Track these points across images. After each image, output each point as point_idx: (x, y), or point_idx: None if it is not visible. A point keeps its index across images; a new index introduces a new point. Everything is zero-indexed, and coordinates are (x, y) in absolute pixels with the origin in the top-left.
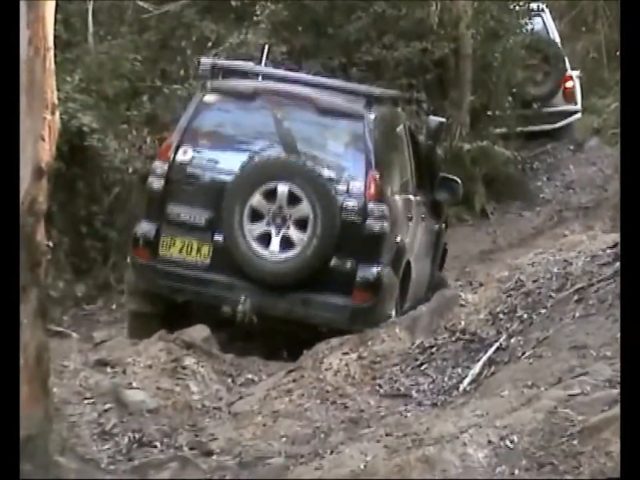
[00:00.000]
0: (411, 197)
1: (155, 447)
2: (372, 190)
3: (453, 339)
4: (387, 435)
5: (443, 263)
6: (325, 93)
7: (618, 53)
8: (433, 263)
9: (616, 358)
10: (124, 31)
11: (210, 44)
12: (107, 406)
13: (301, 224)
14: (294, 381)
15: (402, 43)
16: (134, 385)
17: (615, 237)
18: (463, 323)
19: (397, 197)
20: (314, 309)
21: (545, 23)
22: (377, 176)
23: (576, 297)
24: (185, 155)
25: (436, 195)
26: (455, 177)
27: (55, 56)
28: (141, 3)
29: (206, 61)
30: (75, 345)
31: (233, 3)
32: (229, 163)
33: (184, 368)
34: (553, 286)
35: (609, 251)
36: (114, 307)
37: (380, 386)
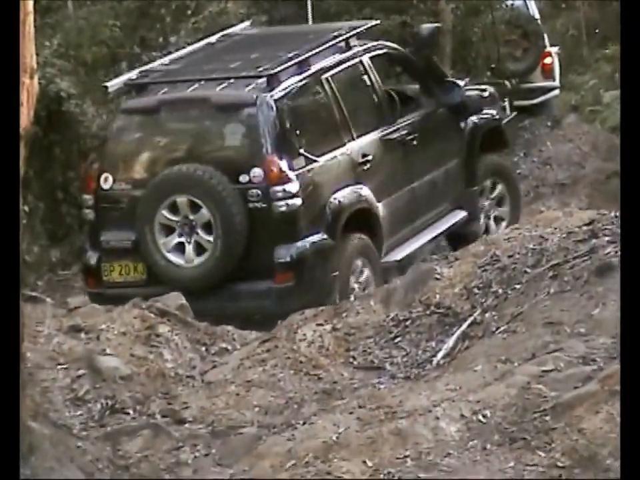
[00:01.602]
0: (375, 133)
1: (128, 413)
2: (272, 173)
3: (428, 312)
4: (359, 407)
5: (503, 143)
6: (224, 86)
7: (597, 31)
8: (465, 162)
9: (590, 335)
10: None
11: (189, 12)
12: (80, 372)
13: (208, 227)
14: (268, 351)
15: (382, 16)
16: (107, 351)
17: (591, 214)
18: (437, 296)
19: (332, 154)
20: (241, 299)
21: None
22: (275, 159)
23: (551, 273)
24: (105, 182)
25: (444, 98)
26: (457, 81)
27: (35, 20)
28: None
29: (113, 83)
30: (49, 310)
31: None
32: (142, 183)
33: (158, 336)
34: (528, 262)
35: (584, 228)
36: None
37: (354, 358)
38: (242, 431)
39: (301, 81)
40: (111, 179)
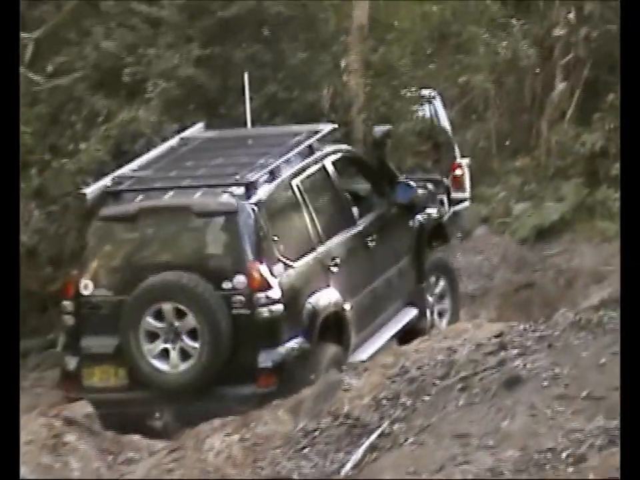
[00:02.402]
0: (340, 235)
1: None
2: (254, 280)
3: (336, 423)
4: None
5: (444, 238)
6: (202, 193)
7: (507, 143)
8: (414, 259)
9: (498, 447)
10: None
11: (100, 119)
12: None
13: (193, 334)
14: (175, 460)
15: (294, 124)
16: None
17: (500, 326)
18: (346, 407)
19: (306, 259)
20: (225, 404)
21: (436, 110)
22: (257, 265)
23: (460, 385)
24: (85, 289)
25: (396, 198)
26: (408, 181)
27: None
28: (31, 76)
29: (90, 190)
30: None
31: (125, 79)
32: (124, 289)
33: (65, 444)
34: (437, 373)
35: (493, 340)
36: None
37: (261, 468)
38: None
39: (274, 187)
40: (91, 285)
